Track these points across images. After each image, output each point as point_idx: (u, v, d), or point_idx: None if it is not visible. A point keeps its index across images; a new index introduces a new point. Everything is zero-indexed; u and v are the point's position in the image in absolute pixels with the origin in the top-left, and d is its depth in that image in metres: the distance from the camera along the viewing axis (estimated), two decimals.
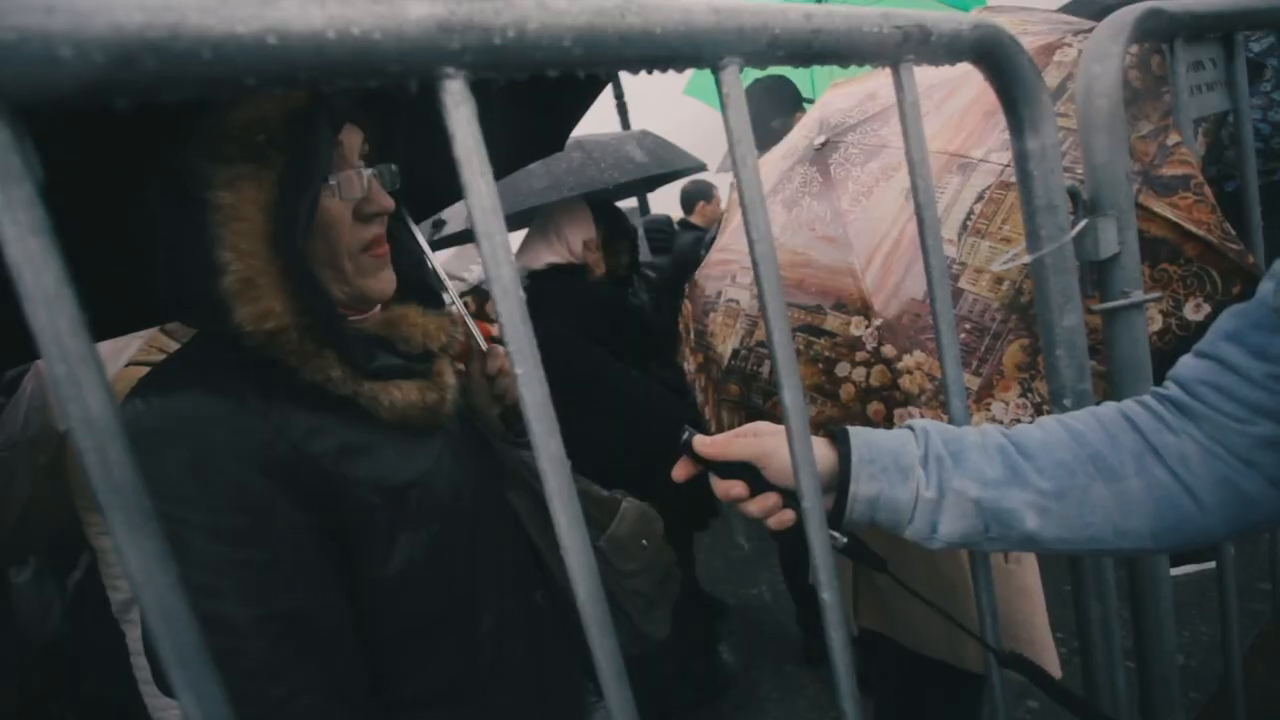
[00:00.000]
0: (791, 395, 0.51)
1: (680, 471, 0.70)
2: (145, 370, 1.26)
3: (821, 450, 0.64)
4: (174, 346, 1.34)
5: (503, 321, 0.37)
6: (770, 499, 0.66)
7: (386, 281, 0.75)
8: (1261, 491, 0.59)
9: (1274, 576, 1.18)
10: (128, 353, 1.14)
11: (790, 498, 0.65)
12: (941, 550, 0.66)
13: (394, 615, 0.72)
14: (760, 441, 0.67)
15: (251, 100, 0.62)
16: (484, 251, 0.37)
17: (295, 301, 0.64)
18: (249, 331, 0.63)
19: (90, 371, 0.27)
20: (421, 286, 0.84)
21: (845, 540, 0.66)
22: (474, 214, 0.36)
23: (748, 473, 0.67)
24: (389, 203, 0.73)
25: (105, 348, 1.17)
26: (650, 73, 0.48)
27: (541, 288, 2.05)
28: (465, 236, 2.73)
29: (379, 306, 0.78)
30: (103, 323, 0.88)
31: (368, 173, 0.72)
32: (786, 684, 2.48)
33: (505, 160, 1.36)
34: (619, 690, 0.40)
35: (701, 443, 0.68)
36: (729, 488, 0.67)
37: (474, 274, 2.51)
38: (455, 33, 0.34)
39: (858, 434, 0.66)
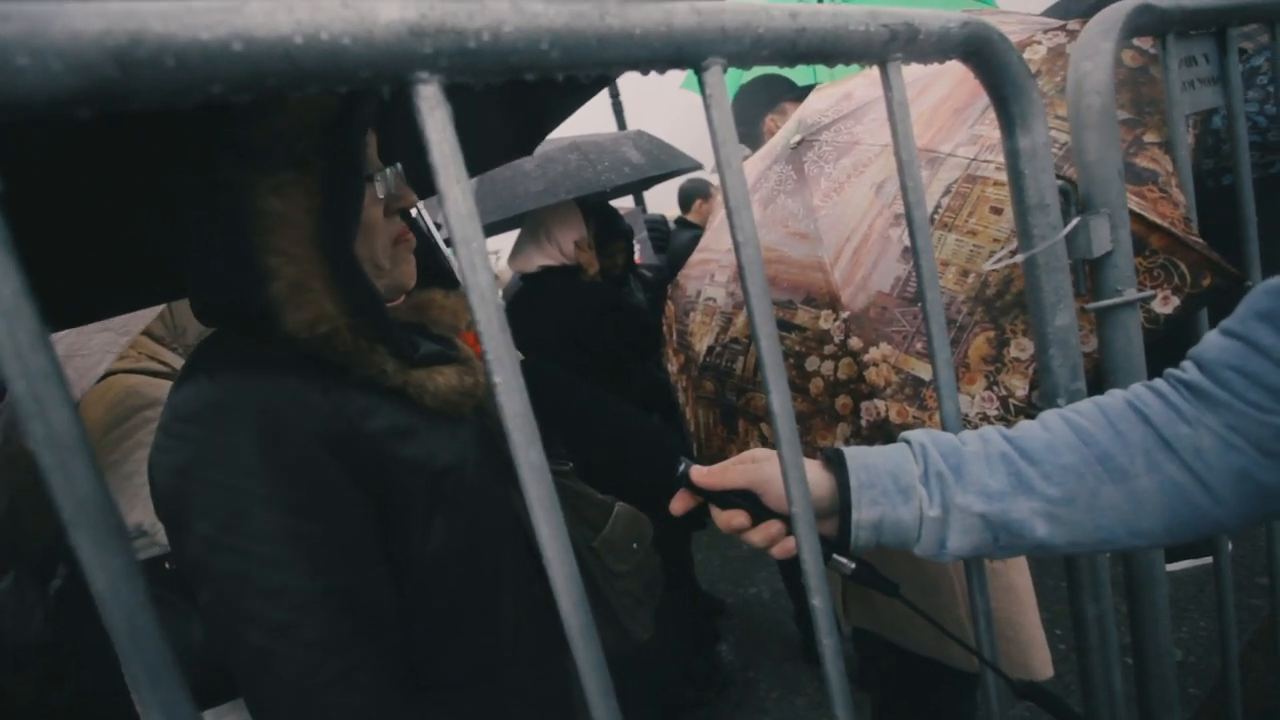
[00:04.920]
0: (779, 400, 0.50)
1: (679, 505, 0.69)
2: (135, 378, 1.26)
3: (817, 474, 0.63)
4: (166, 353, 1.33)
5: (481, 329, 0.36)
6: (773, 527, 0.64)
7: (413, 268, 0.79)
8: None
9: (1271, 571, 1.18)
10: (108, 359, 1.14)
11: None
12: (951, 561, 0.64)
13: (424, 598, 0.73)
14: (759, 468, 0.65)
15: (286, 108, 0.63)
16: (461, 257, 0.36)
17: (346, 303, 0.65)
18: (301, 339, 0.64)
19: (53, 387, 0.26)
20: (436, 271, 0.86)
21: (853, 566, 0.65)
22: (450, 220, 0.36)
23: (748, 501, 0.65)
24: (414, 197, 0.77)
25: (96, 342, 1.17)
26: (640, 74, 0.47)
27: (535, 290, 2.04)
28: None
29: (404, 295, 0.81)
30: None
31: (390, 170, 0.75)
32: (786, 683, 2.48)
33: (475, 160, 1.36)
34: (604, 703, 0.40)
35: (699, 473, 0.67)
36: (730, 518, 0.65)
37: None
38: (428, 36, 0.33)
39: (854, 457, 0.64)
